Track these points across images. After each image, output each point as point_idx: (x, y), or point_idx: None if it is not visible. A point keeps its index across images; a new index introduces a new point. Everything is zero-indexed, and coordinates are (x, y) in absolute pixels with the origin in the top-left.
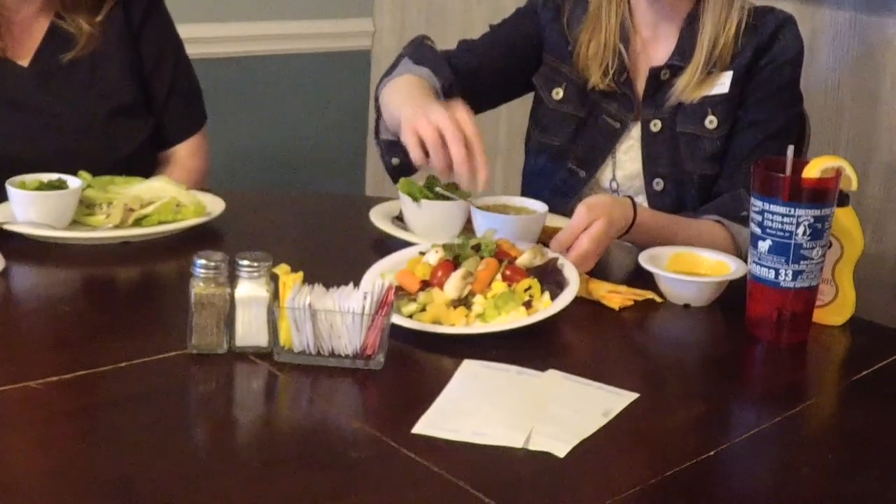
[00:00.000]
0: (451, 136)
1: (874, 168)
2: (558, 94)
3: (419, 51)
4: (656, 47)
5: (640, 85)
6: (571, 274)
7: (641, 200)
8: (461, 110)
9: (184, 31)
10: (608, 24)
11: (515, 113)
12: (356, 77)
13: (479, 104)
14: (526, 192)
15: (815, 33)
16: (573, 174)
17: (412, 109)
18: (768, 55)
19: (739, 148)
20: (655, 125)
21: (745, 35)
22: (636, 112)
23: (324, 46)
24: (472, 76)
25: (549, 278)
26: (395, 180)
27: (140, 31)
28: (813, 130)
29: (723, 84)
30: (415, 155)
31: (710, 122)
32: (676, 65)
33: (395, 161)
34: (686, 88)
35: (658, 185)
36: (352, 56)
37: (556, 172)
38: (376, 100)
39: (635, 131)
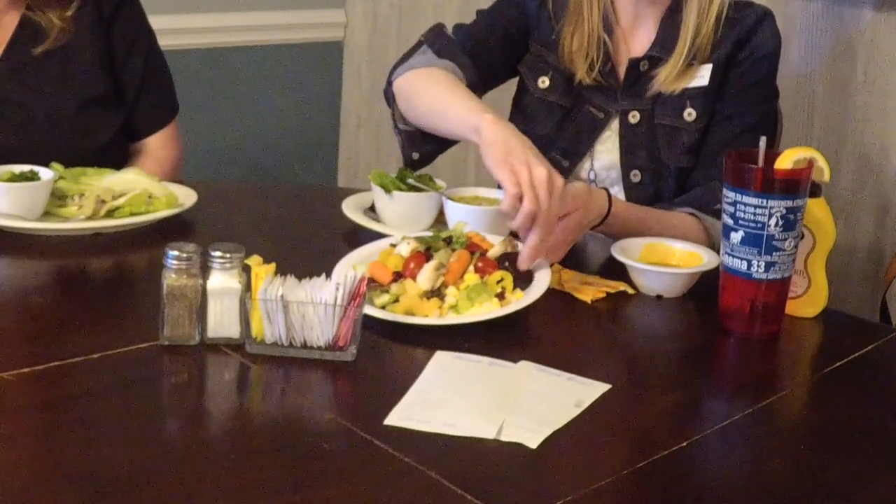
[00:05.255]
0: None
1: (846, 159)
2: (544, 82)
3: (440, 40)
4: (635, 37)
5: (622, 75)
6: (542, 265)
7: (618, 191)
8: (556, 173)
9: (156, 22)
10: (590, 16)
11: (487, 103)
12: (328, 68)
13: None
14: None
15: (787, 24)
16: (556, 164)
17: (508, 147)
18: (747, 49)
19: (715, 141)
20: (634, 117)
21: (724, 28)
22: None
23: (296, 37)
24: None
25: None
26: (414, 171)
27: (112, 22)
28: (785, 121)
29: (702, 76)
30: (509, 200)
31: (689, 114)
32: (656, 56)
33: (415, 156)
34: (666, 80)
35: (635, 176)
36: (324, 47)
37: None
38: (389, 85)
39: (613, 123)
